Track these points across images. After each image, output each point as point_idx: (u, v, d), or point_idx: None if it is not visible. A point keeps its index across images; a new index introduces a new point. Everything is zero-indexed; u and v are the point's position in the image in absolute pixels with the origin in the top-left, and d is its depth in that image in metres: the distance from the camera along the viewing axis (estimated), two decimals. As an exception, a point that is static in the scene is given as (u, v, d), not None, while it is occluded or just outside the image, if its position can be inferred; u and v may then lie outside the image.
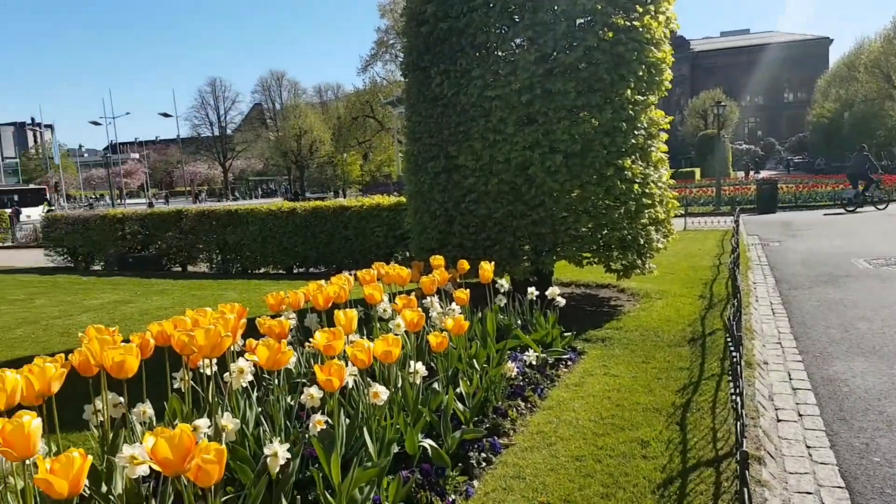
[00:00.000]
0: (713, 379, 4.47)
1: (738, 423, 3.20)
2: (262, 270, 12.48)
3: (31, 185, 58.18)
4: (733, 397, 3.72)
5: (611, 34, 6.15)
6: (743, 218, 15.29)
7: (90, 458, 1.93)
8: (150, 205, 44.47)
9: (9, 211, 30.66)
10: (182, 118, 73.47)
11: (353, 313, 3.78)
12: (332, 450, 2.93)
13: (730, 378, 4.32)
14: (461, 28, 6.58)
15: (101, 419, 3.09)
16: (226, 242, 12.66)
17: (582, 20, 6.39)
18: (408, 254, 10.38)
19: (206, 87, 76.21)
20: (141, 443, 2.11)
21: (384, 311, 4.56)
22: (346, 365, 3.13)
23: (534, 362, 4.62)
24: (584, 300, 7.36)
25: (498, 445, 3.57)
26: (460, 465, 3.33)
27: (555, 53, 6.29)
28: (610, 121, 6.18)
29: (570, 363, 5.00)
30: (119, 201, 55.16)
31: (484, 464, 3.41)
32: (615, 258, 6.57)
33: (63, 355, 2.83)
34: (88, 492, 2.61)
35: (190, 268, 13.52)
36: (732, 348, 4.00)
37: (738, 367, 3.70)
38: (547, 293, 5.29)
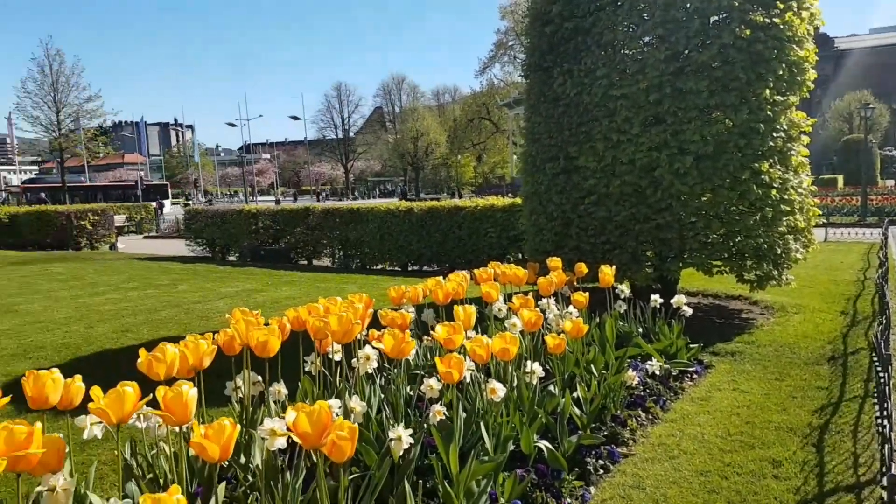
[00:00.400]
0: (855, 401, 4.11)
1: (886, 447, 2.93)
2: (379, 266, 12.92)
3: (155, 181, 63.34)
4: (879, 420, 3.40)
5: (748, 31, 5.83)
6: (892, 230, 13.93)
7: (238, 426, 2.10)
8: (277, 202, 47.27)
9: (154, 204, 33.72)
10: (309, 121, 77.65)
11: (472, 309, 3.83)
12: (450, 440, 2.99)
13: (874, 401, 3.96)
14: (587, 27, 6.49)
15: (241, 395, 3.33)
16: (347, 239, 13.24)
17: (717, 17, 6.10)
18: (520, 255, 10.35)
19: (332, 92, 79.94)
20: (282, 417, 2.27)
21: (499, 310, 4.58)
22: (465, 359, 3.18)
23: (657, 372, 4.46)
24: (712, 311, 7.00)
25: (616, 454, 3.49)
26: (576, 469, 3.29)
27: (686, 52, 6.05)
28: (746, 122, 5.85)
29: (695, 376, 4.78)
30: (251, 198, 59.02)
31: (601, 471, 3.35)
32: (748, 268, 6.19)
33: (211, 335, 3.08)
34: (227, 462, 2.83)
35: (315, 261, 14.25)
36: (879, 368, 3.67)
37: (886, 388, 3.39)
38: (672, 301, 5.08)
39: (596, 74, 6.35)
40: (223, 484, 2.44)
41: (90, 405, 2.15)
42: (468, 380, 3.58)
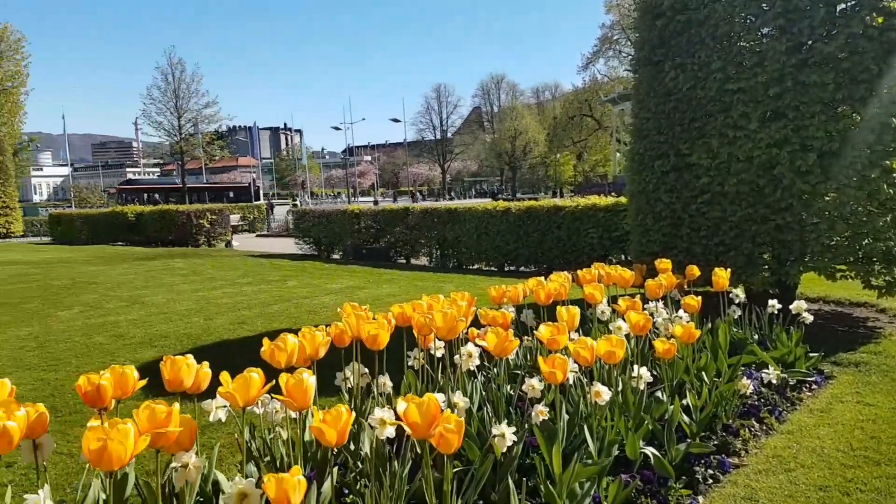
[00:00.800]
0: None
1: None
2: (475, 266, 13.00)
3: (242, 184, 66.56)
4: None
5: (880, 19, 5.38)
6: None
7: (353, 413, 2.19)
8: (376, 202, 48.74)
9: (265, 204, 35.69)
10: (409, 123, 79.45)
11: (576, 310, 3.78)
12: (553, 441, 2.97)
13: None
14: (701, 19, 6.24)
15: (349, 386, 3.47)
16: (445, 238, 13.41)
17: (844, 5, 5.67)
18: (623, 257, 10.08)
19: (432, 94, 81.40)
20: (392, 408, 2.34)
21: (602, 312, 4.49)
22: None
23: (773, 381, 4.22)
24: (834, 319, 6.52)
25: (727, 464, 3.34)
26: (684, 478, 3.18)
27: (810, 42, 5.67)
28: (876, 116, 5.41)
29: (814, 387, 4.48)
30: (353, 199, 61.16)
31: (710, 480, 3.22)
32: (877, 273, 5.70)
33: (323, 328, 3.22)
34: (337, 449, 2.95)
35: (413, 260, 14.55)
36: None
37: None
38: (791, 307, 4.78)
39: (710, 68, 6.09)
40: (335, 468, 2.55)
41: (220, 389, 2.31)
42: (571, 382, 3.54)
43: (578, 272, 4.83)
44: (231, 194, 54.40)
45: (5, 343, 6.87)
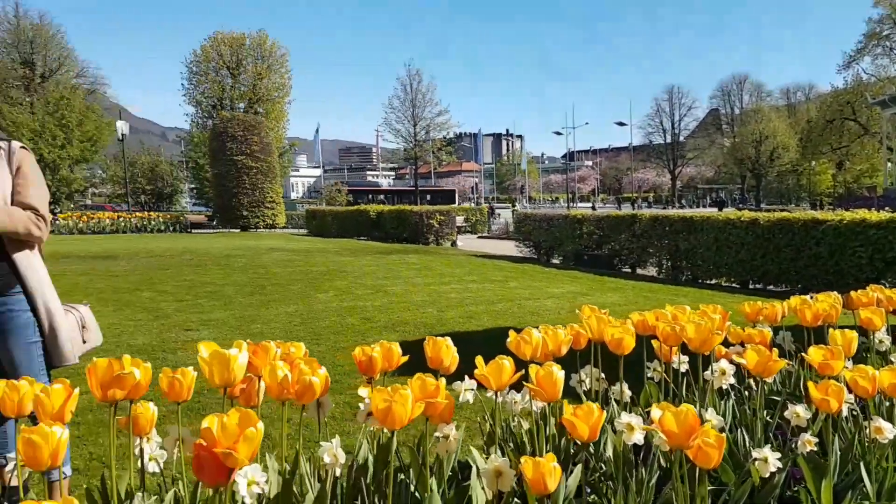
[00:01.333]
0: None
1: None
2: (712, 281, 12.09)
3: (445, 188, 68.81)
4: None
5: None
6: None
7: (605, 413, 2.17)
8: (593, 208, 47.87)
9: (486, 207, 37.19)
10: (636, 126, 76.51)
11: (853, 334, 3.32)
12: (822, 475, 2.65)
13: None
14: None
15: (585, 388, 3.43)
16: (677, 248, 12.68)
17: None
18: (900, 282, 8.67)
19: (663, 95, 77.58)
20: (639, 414, 2.27)
21: (880, 341, 3.90)
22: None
23: None
24: None
25: None
26: None
27: None
28: None
29: None
30: (572, 204, 60.84)
31: None
32: None
33: (562, 327, 3.22)
34: (575, 448, 2.93)
35: (639, 270, 13.99)
36: None
37: None
38: None
39: None
40: (580, 465, 2.54)
41: (476, 371, 2.43)
42: (844, 414, 3.12)
43: (851, 294, 4.24)
44: (428, 197, 57.68)
45: (277, 317, 8.01)
